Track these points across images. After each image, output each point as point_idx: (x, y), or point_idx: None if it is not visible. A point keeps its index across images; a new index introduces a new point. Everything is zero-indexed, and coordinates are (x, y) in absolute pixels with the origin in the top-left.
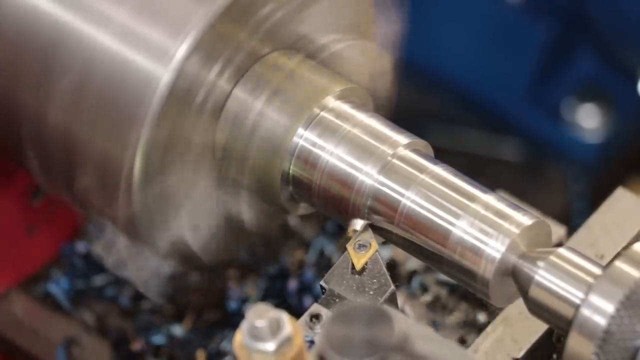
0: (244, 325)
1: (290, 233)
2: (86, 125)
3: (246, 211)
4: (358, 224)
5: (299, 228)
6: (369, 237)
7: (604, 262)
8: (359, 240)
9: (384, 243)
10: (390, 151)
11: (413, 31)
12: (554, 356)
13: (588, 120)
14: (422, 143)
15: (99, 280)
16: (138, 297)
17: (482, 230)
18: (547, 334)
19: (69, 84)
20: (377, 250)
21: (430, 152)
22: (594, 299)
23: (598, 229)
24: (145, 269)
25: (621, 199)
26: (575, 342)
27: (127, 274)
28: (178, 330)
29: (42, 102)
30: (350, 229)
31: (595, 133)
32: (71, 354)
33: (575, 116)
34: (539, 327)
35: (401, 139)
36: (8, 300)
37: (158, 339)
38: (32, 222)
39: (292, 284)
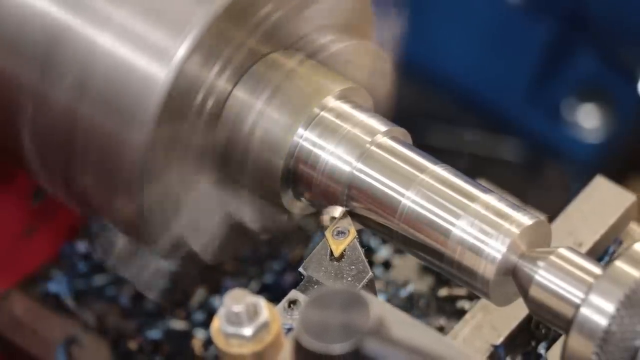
0: (221, 311)
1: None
2: (86, 126)
3: (246, 211)
4: (335, 210)
5: (301, 224)
6: (347, 224)
7: (583, 250)
8: (338, 227)
9: (383, 242)
10: (368, 138)
11: (413, 31)
12: (533, 343)
13: (588, 120)
14: (400, 131)
15: (99, 280)
16: (138, 297)
17: (482, 230)
18: (526, 321)
19: (69, 85)
20: (355, 237)
21: (409, 140)
22: (594, 298)
23: (577, 217)
24: (145, 268)
25: (599, 188)
26: (575, 342)
27: (127, 273)
28: (174, 323)
29: (42, 102)
30: (329, 216)
31: (595, 133)
32: (71, 353)
33: (575, 116)
34: (518, 314)
35: (380, 126)
36: (8, 300)
37: (154, 334)
38: (32, 222)
39: (288, 278)
